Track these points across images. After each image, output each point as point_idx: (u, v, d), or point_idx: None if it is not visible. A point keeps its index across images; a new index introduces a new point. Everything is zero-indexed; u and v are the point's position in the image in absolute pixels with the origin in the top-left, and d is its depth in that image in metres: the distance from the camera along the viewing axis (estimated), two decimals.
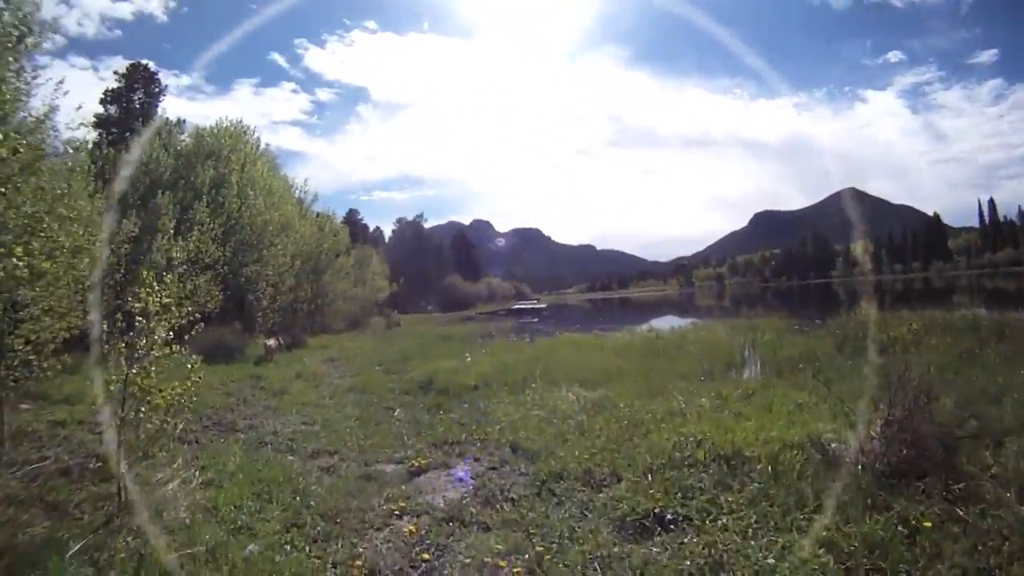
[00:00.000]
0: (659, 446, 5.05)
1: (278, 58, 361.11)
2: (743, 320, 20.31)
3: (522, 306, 62.87)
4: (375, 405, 8.60)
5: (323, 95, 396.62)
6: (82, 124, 9.57)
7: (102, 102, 26.53)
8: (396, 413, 8.03)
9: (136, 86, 26.84)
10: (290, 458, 5.79)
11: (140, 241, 13.48)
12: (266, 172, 23.14)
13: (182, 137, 21.32)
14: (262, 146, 24.22)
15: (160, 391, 5.09)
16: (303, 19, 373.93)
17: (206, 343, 13.78)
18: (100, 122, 23.85)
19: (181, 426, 6.15)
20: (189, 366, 5.12)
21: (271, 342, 15.37)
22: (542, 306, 65.77)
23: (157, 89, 27.39)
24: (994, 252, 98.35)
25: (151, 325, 5.07)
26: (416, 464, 5.45)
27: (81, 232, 9.56)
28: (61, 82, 7.75)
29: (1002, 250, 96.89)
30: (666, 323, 24.32)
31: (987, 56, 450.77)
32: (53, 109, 7.69)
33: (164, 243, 14.67)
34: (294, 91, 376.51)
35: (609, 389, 8.15)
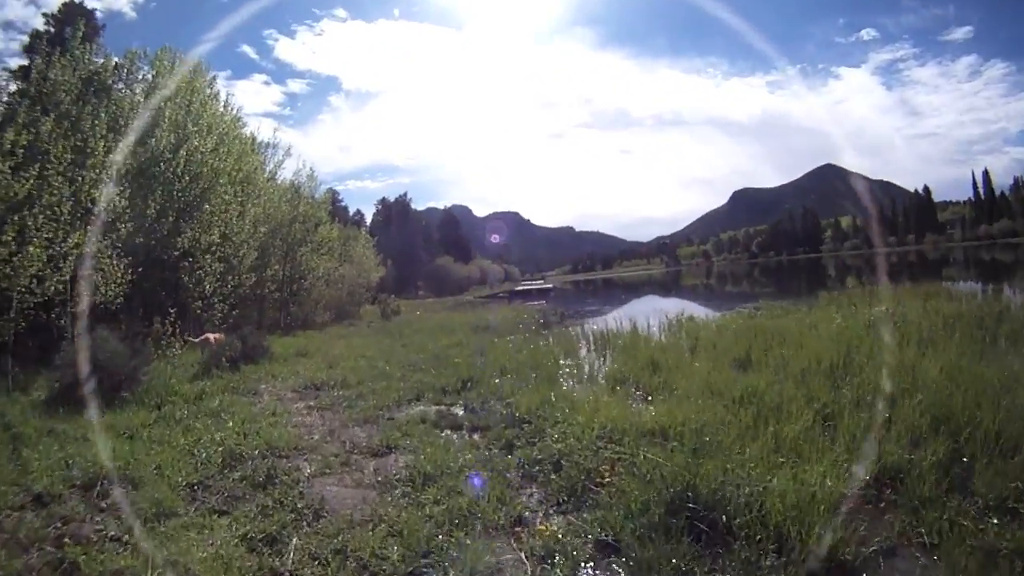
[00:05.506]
0: None
1: (248, 50, 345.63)
2: (823, 294, 15.81)
3: (527, 287, 53.91)
4: None
5: (295, 86, 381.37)
6: None
7: (26, 49, 21.26)
8: None
9: (67, 29, 22.05)
10: None
11: None
12: (226, 118, 17.72)
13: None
14: (223, 95, 18.70)
15: None
16: (272, 9, 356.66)
17: (66, 368, 6.95)
18: (24, 74, 18.99)
19: None
20: None
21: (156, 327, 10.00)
22: (549, 287, 55.13)
23: (92, 30, 22.59)
24: (990, 223, 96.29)
25: None
26: None
27: None
28: None
29: (997, 222, 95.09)
30: (702, 308, 20.30)
31: (962, 33, 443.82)
32: None
33: None
34: (265, 83, 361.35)
35: None
